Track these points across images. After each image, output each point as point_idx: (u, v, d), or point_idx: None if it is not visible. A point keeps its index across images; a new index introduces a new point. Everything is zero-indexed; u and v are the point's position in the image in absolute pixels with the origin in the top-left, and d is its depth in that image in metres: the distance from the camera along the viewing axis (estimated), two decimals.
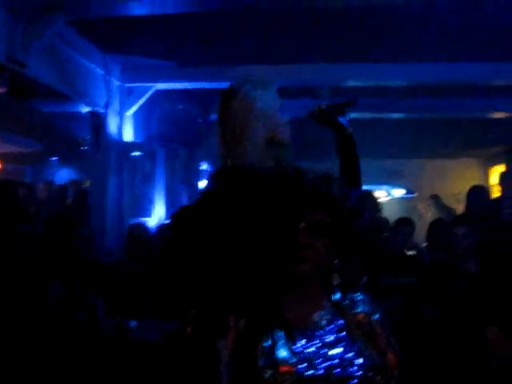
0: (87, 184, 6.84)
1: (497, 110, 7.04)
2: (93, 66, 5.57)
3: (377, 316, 1.88)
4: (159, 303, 4.10)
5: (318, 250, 1.77)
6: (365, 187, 8.38)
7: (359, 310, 1.87)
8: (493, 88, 6.33)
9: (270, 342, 1.75)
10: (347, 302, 1.88)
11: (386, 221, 6.87)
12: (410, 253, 6.28)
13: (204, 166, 9.22)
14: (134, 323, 3.94)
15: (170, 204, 7.49)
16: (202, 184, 9.71)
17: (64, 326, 3.50)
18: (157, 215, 7.12)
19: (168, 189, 7.50)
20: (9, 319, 3.25)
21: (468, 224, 4.69)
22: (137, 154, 6.21)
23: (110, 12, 4.50)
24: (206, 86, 6.21)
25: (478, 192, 6.18)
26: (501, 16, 4.75)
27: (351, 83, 6.38)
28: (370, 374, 1.75)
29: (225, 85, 7.07)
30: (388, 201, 8.86)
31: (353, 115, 7.95)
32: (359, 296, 1.90)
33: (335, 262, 1.83)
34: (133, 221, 6.46)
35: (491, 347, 1.92)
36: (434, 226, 6.18)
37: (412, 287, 4.95)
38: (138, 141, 6.45)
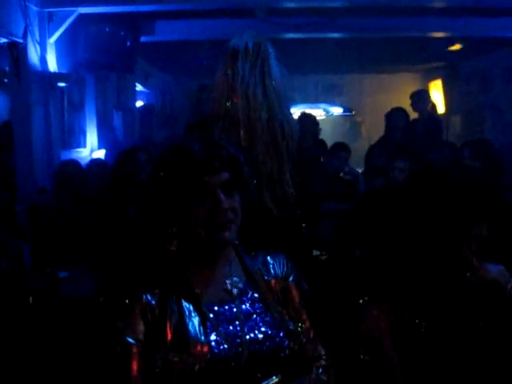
0: None
1: (433, 30, 6.95)
2: None
3: (291, 277, 1.81)
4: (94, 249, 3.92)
5: (235, 210, 1.63)
6: (303, 106, 8.24)
7: (272, 274, 1.78)
8: (430, 9, 6.20)
9: (177, 320, 1.58)
10: (259, 266, 1.78)
11: (323, 144, 6.85)
12: (346, 178, 6.32)
13: (138, 88, 8.88)
14: (64, 274, 3.75)
15: (103, 131, 7.22)
16: (139, 105, 9.41)
17: None
18: (90, 144, 6.87)
19: (100, 116, 7.21)
20: None
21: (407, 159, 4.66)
22: (63, 84, 5.84)
23: None
24: (131, 9, 5.82)
25: (396, 115, 6.21)
26: None
27: (288, 4, 6.13)
28: (286, 343, 1.68)
29: (149, 7, 6.59)
30: (326, 118, 8.81)
31: (290, 35, 7.74)
32: (271, 258, 1.81)
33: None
34: (64, 153, 6.21)
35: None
36: (372, 151, 6.19)
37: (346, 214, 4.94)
38: (64, 69, 6.08)
